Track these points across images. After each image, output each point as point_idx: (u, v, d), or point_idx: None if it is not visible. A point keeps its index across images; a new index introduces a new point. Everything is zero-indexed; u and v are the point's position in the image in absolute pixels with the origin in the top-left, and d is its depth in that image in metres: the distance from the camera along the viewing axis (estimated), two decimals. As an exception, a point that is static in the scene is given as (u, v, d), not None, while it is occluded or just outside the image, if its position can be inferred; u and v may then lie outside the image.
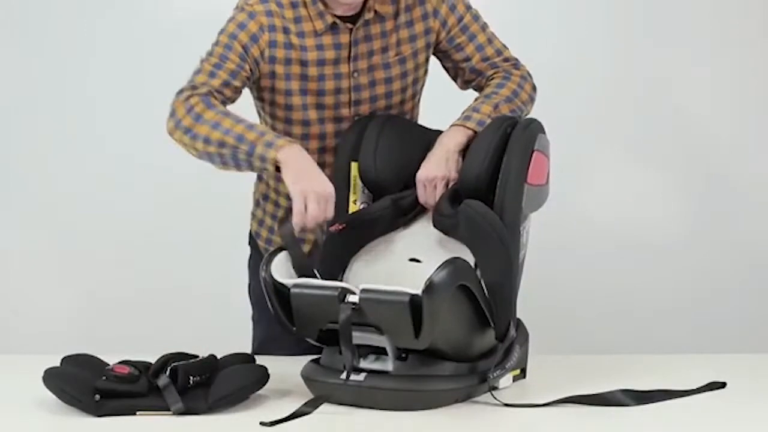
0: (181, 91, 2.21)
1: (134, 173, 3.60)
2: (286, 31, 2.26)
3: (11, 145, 3.62)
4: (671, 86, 3.64)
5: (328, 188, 2.09)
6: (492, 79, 2.37)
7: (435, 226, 2.18)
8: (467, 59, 2.36)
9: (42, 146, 3.61)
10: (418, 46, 2.33)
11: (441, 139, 2.25)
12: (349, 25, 2.27)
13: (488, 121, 2.23)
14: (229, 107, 2.23)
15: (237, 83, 2.23)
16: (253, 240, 2.52)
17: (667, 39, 3.64)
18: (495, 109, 2.27)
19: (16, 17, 3.60)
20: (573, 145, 3.45)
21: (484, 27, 2.37)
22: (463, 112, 2.28)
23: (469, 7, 2.36)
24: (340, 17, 2.26)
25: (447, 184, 2.21)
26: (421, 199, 2.22)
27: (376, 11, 2.27)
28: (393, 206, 2.21)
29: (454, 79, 2.44)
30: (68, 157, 3.60)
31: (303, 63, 2.27)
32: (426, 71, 2.40)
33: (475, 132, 2.23)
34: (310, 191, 2.07)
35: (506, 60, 2.38)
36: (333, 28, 2.26)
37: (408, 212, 2.23)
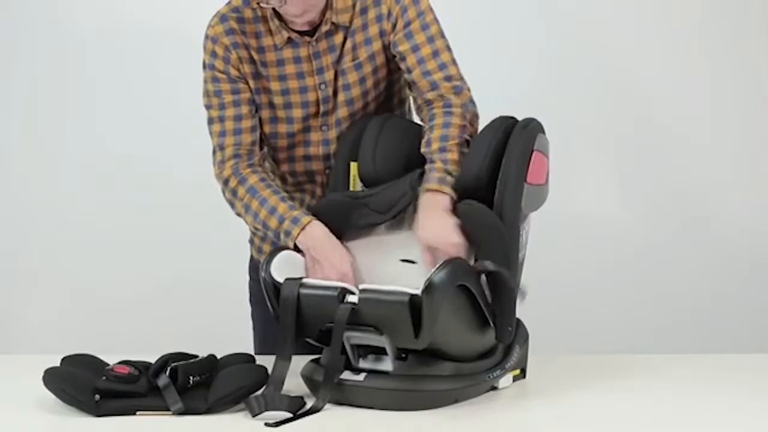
0: (213, 152, 2.30)
1: (134, 173, 3.60)
2: (247, 47, 2.27)
3: (11, 144, 3.62)
4: (671, 88, 3.65)
5: (343, 269, 2.12)
6: (433, 115, 2.21)
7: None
8: (408, 71, 2.26)
9: (42, 146, 3.61)
10: (373, 49, 2.28)
11: (424, 203, 2.10)
12: (308, 39, 2.26)
13: (449, 178, 2.11)
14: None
15: (245, 110, 2.28)
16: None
17: (667, 40, 3.64)
18: (446, 165, 2.13)
19: (16, 17, 3.60)
20: (572, 146, 3.46)
21: (432, 38, 2.24)
22: (426, 171, 2.13)
23: (421, 14, 2.25)
24: (298, 32, 2.25)
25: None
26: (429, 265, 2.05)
27: (333, 23, 2.25)
28: (360, 204, 2.19)
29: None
30: (68, 156, 3.61)
31: (265, 78, 2.28)
32: (391, 71, 2.32)
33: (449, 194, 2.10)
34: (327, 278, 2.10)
35: (448, 78, 2.23)
36: (291, 42, 2.26)
37: (385, 211, 2.19)
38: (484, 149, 2.12)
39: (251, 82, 2.29)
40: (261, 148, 2.32)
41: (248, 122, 2.28)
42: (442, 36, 2.27)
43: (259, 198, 2.23)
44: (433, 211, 2.08)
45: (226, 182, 2.27)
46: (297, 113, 2.30)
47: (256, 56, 2.27)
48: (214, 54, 2.28)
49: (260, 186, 2.24)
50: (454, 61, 2.26)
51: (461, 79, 2.26)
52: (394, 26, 2.26)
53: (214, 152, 2.31)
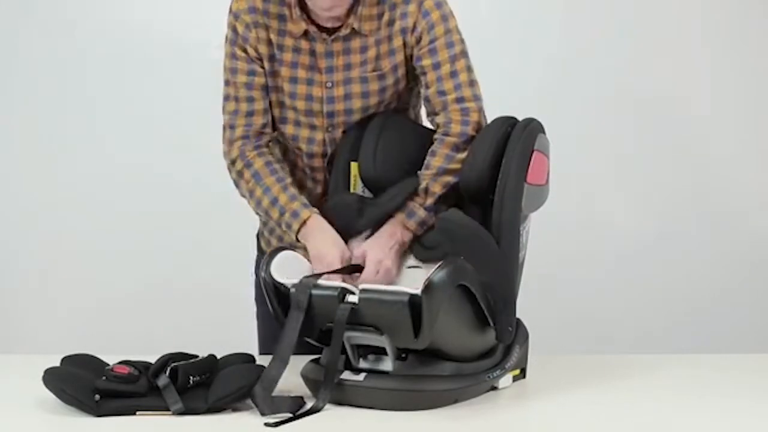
0: (224, 129, 2.30)
1: (134, 173, 3.61)
2: (267, 28, 2.26)
3: (12, 144, 3.62)
4: (672, 87, 3.65)
5: (327, 259, 2.15)
6: (432, 140, 2.25)
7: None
8: (426, 86, 2.26)
9: (42, 146, 3.61)
10: (396, 61, 2.27)
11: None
12: (325, 36, 2.26)
13: (419, 212, 2.19)
14: None
15: (258, 92, 2.27)
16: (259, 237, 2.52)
17: (667, 40, 3.65)
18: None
19: (17, 18, 3.60)
20: (573, 146, 3.46)
21: (454, 57, 2.23)
22: (407, 206, 2.20)
23: (448, 31, 2.24)
24: (318, 26, 2.25)
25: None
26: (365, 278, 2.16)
27: (353, 28, 2.24)
28: (359, 208, 2.20)
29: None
30: (69, 157, 3.61)
31: (278, 62, 2.28)
32: (411, 82, 2.32)
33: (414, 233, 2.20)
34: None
35: (460, 100, 2.23)
36: (307, 35, 2.26)
37: (385, 220, 2.21)
38: (486, 150, 2.13)
39: (266, 64, 2.28)
40: (273, 130, 2.32)
41: (260, 104, 2.28)
42: (465, 56, 2.25)
43: (263, 186, 2.24)
44: (383, 235, 2.18)
45: (233, 162, 2.29)
46: (300, 105, 2.29)
47: (274, 38, 2.26)
48: (234, 30, 2.27)
49: (264, 172, 2.26)
50: (471, 83, 2.24)
51: (474, 99, 2.24)
52: (419, 40, 2.25)
53: (224, 129, 2.31)
